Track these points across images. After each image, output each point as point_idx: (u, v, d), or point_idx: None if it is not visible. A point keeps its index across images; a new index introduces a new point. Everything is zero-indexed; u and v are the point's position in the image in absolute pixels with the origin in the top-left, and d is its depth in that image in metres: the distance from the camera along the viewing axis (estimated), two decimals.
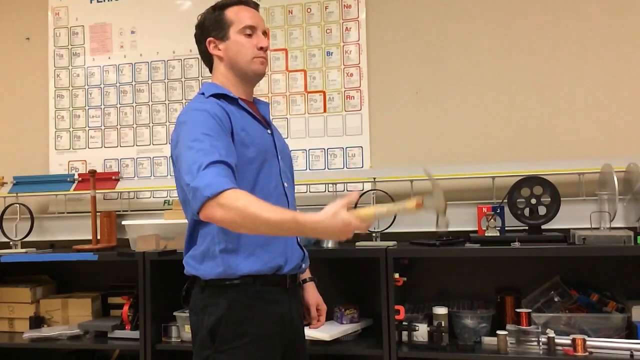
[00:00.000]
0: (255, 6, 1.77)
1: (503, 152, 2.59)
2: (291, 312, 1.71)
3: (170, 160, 1.68)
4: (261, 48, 1.71)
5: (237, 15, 1.71)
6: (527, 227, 2.33)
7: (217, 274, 1.60)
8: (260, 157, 1.65)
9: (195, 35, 1.79)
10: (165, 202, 2.93)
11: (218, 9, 1.74)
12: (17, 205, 2.94)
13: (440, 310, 2.27)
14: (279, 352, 1.65)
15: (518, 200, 2.34)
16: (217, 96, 1.67)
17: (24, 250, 2.79)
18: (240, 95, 1.73)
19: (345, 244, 2.52)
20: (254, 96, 1.82)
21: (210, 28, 1.73)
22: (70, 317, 2.78)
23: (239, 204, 1.41)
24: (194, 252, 1.66)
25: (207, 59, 1.79)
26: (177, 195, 1.72)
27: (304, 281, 1.90)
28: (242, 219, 1.42)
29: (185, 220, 1.70)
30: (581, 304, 2.28)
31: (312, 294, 1.90)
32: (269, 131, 1.75)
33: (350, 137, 2.77)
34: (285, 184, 1.73)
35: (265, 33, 1.75)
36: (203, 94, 1.69)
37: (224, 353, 1.59)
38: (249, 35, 1.70)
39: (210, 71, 1.80)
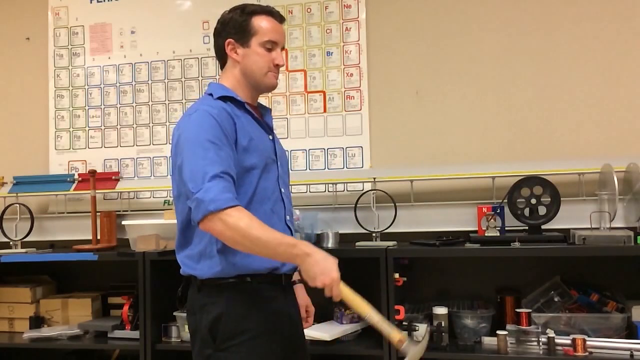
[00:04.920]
0: (282, 20, 1.78)
1: (503, 152, 2.59)
2: (289, 309, 1.73)
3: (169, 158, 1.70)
4: (277, 65, 1.74)
5: (263, 27, 1.71)
6: (527, 227, 2.33)
7: (214, 273, 1.62)
8: (262, 163, 1.68)
9: (216, 29, 1.78)
10: (165, 202, 2.93)
11: (246, 14, 1.72)
12: (17, 205, 2.94)
13: (440, 310, 2.27)
14: (279, 348, 1.66)
15: (518, 200, 2.34)
16: (224, 98, 1.69)
17: (24, 250, 2.79)
18: (247, 99, 1.76)
19: (345, 244, 2.52)
20: (258, 101, 1.85)
21: (232, 30, 1.73)
22: (70, 317, 2.78)
23: (241, 223, 1.48)
24: (190, 251, 1.67)
25: (221, 56, 1.78)
26: (174, 195, 1.73)
27: (294, 282, 1.91)
28: (242, 237, 1.49)
29: None
30: (581, 304, 2.28)
31: (301, 295, 1.93)
32: (270, 137, 1.79)
33: (350, 137, 2.77)
34: (283, 190, 1.76)
35: (283, 48, 1.77)
36: (211, 94, 1.70)
37: (225, 351, 1.60)
38: (269, 50, 1.72)
39: (222, 67, 1.80)
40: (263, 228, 1.50)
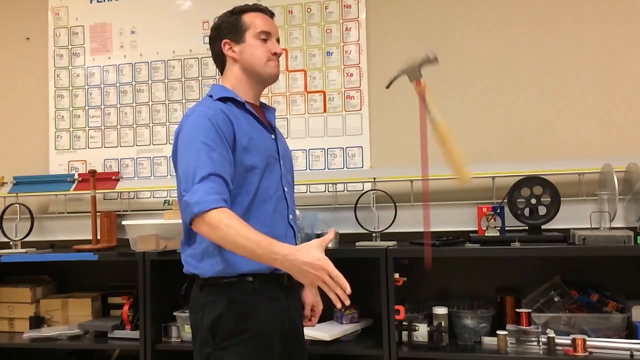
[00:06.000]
0: (271, 15, 1.82)
1: (503, 152, 2.59)
2: (290, 310, 1.73)
3: (171, 159, 1.72)
4: (275, 53, 1.76)
5: (254, 21, 1.76)
6: (527, 227, 2.33)
7: (216, 272, 1.63)
8: (263, 163, 1.69)
9: (210, 37, 1.82)
10: (165, 202, 2.93)
11: (236, 14, 1.78)
12: (17, 205, 2.94)
13: (440, 310, 2.27)
14: (278, 349, 1.66)
15: (518, 200, 2.34)
16: (225, 99, 1.70)
17: (24, 250, 2.79)
18: (249, 98, 1.77)
19: (345, 244, 2.52)
20: (261, 101, 1.85)
21: (226, 31, 1.77)
22: (70, 317, 2.78)
23: (221, 225, 1.48)
24: (194, 250, 1.68)
25: (220, 61, 1.82)
26: (176, 195, 1.75)
27: None
28: (223, 239, 1.50)
29: None
30: (581, 304, 2.28)
31: (310, 294, 1.91)
32: (272, 136, 1.79)
33: (350, 137, 2.77)
34: (286, 189, 1.76)
35: (278, 41, 1.80)
36: (211, 96, 1.72)
37: (225, 350, 1.61)
38: (264, 41, 1.75)
39: (221, 72, 1.83)
40: (241, 230, 1.47)
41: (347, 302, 1.42)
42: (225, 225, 1.48)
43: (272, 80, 1.80)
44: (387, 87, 1.88)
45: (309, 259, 1.42)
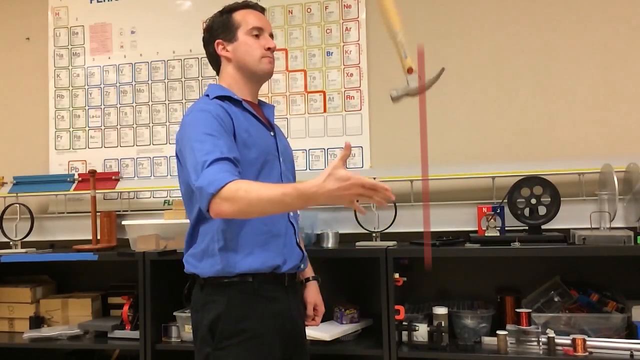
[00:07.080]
0: (262, 10, 1.81)
1: (503, 152, 2.59)
2: (290, 310, 1.73)
3: (173, 158, 1.71)
4: (269, 48, 1.75)
5: (245, 18, 1.75)
6: (527, 227, 2.33)
7: (215, 271, 1.63)
8: (261, 159, 1.68)
9: (204, 39, 1.82)
10: (165, 202, 2.93)
11: (226, 13, 1.78)
12: (17, 205, 2.94)
13: (440, 310, 2.27)
14: (278, 349, 1.66)
15: (518, 200, 2.34)
16: (222, 98, 1.70)
17: (24, 250, 2.79)
18: (246, 96, 1.76)
19: (345, 244, 2.52)
20: (259, 98, 1.85)
21: (218, 31, 1.77)
22: (70, 317, 2.78)
23: (241, 192, 1.43)
24: (194, 250, 1.69)
25: (215, 62, 1.81)
26: (177, 195, 1.75)
27: (307, 280, 1.92)
28: (248, 205, 1.44)
29: (185, 220, 1.72)
30: (581, 304, 2.28)
31: (312, 293, 1.91)
32: (272, 133, 1.78)
33: (350, 137, 2.77)
34: None
35: (271, 35, 1.79)
36: (208, 95, 1.72)
37: (224, 350, 1.61)
38: (257, 36, 1.75)
39: (218, 74, 1.82)
40: (262, 189, 1.44)
41: (393, 198, 1.38)
42: (245, 190, 1.43)
43: (267, 76, 1.79)
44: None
45: (338, 183, 1.36)
